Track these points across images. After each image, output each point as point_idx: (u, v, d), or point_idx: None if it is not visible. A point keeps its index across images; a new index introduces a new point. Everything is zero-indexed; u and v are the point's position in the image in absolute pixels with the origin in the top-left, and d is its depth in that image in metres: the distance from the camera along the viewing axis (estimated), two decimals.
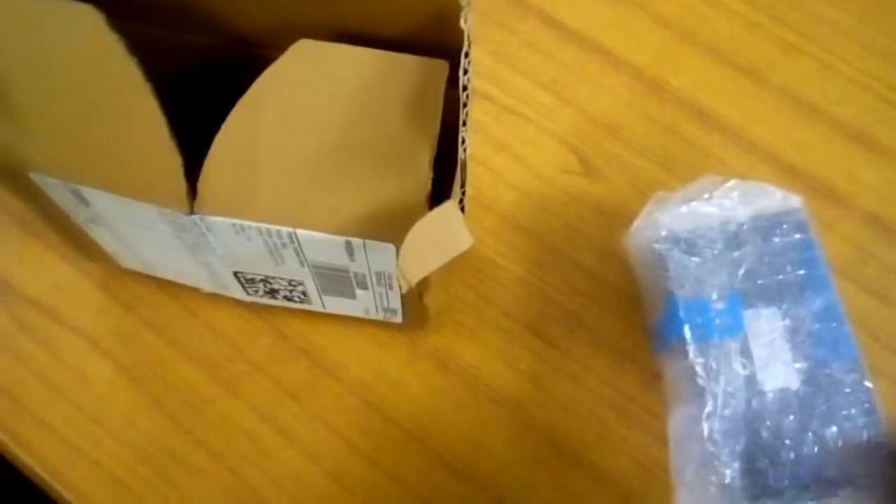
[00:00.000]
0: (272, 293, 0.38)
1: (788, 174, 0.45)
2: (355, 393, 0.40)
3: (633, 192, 0.44)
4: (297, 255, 0.32)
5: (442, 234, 0.28)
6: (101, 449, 0.39)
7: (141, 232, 0.33)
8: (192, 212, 0.30)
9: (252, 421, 0.39)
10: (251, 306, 0.41)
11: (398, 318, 0.39)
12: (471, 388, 0.40)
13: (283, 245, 0.31)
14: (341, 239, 0.30)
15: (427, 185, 0.29)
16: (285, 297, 0.38)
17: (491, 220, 0.44)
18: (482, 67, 0.47)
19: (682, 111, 0.46)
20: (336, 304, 0.38)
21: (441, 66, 0.29)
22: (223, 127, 0.29)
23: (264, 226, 0.30)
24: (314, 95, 0.29)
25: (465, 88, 0.26)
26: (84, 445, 0.39)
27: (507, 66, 0.47)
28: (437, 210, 0.28)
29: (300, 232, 0.30)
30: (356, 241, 0.30)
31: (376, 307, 0.37)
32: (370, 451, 0.39)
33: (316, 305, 0.38)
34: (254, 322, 0.41)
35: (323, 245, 0.31)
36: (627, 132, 0.46)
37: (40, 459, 0.38)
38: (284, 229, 0.30)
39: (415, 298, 0.35)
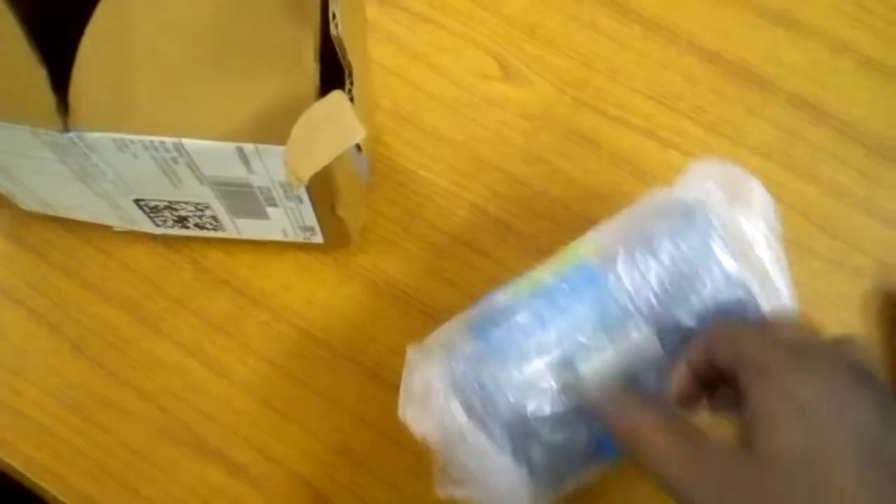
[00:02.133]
0: (182, 222, 0.36)
1: (711, 62, 0.44)
2: (283, 319, 0.39)
3: (556, 92, 0.43)
4: (192, 170, 0.30)
5: (331, 127, 0.26)
6: (24, 399, 0.37)
7: (26, 162, 0.31)
8: (66, 129, 0.28)
9: (178, 357, 0.38)
10: (167, 241, 0.39)
11: (319, 238, 0.37)
12: (402, 304, 0.39)
13: (174, 160, 0.30)
14: (231, 145, 0.28)
15: (314, 77, 0.27)
16: (197, 225, 0.36)
17: (411, 133, 0.42)
18: None
19: (601, 5, 0.44)
20: (251, 228, 0.37)
21: None
22: (88, 29, 0.27)
23: (147, 138, 0.28)
24: None
25: None
26: (5, 396, 0.37)
27: None
28: (323, 101, 0.26)
29: (187, 142, 0.28)
30: (248, 146, 0.29)
31: (293, 226, 0.36)
32: (303, 374, 0.38)
33: (230, 231, 0.37)
34: (171, 257, 0.39)
35: (214, 155, 0.29)
36: (546, 32, 0.44)
37: None
38: (169, 140, 0.28)
39: (328, 212, 0.34)
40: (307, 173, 0.26)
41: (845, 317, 0.40)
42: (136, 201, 0.34)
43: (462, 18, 0.44)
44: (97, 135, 0.28)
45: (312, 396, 0.38)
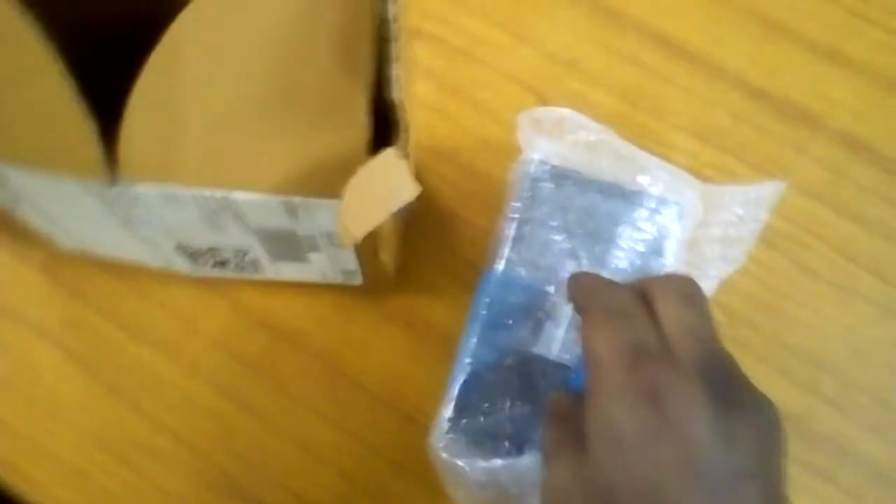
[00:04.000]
0: (221, 264, 0.35)
1: (758, 98, 0.43)
2: (319, 359, 0.38)
3: None
4: (237, 220, 0.30)
5: (384, 185, 0.25)
6: (58, 440, 0.37)
7: (68, 208, 0.31)
8: (114, 181, 0.27)
9: (214, 399, 0.37)
10: (204, 282, 0.39)
11: (358, 280, 0.37)
12: (441, 347, 0.38)
13: (221, 210, 0.29)
14: (278, 199, 0.28)
15: (365, 132, 0.27)
16: (236, 268, 0.36)
17: (449, 170, 0.42)
18: (429, 7, 0.44)
19: (644, 39, 0.44)
20: (290, 271, 0.36)
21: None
22: (139, 82, 0.26)
23: (195, 191, 0.28)
24: (235, 39, 0.26)
25: (389, 21, 0.23)
26: (40, 438, 0.37)
27: (455, 4, 0.44)
28: (377, 159, 0.25)
29: (234, 195, 0.28)
30: (296, 199, 0.28)
31: (333, 269, 0.35)
32: (338, 418, 0.37)
33: (270, 274, 0.36)
34: (208, 298, 0.39)
35: (261, 207, 0.28)
36: (588, 67, 0.43)
37: None
38: (217, 193, 0.28)
39: (370, 256, 0.33)
40: (361, 232, 0.25)
41: None
42: (178, 245, 0.33)
43: (503, 54, 0.44)
44: (145, 187, 0.27)
45: (349, 440, 0.37)
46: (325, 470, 0.37)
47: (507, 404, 0.33)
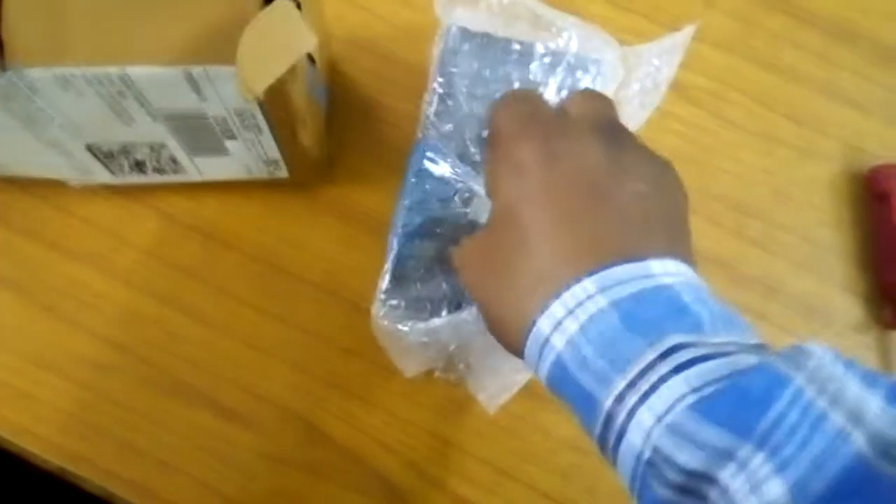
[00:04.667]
0: (139, 167, 0.35)
1: None
2: (257, 259, 0.38)
3: None
4: (141, 104, 0.29)
5: (280, 36, 0.25)
6: None
7: None
8: (3, 69, 0.26)
9: (153, 307, 0.37)
10: (127, 192, 0.38)
11: (284, 172, 0.37)
12: (378, 233, 0.39)
13: (121, 94, 0.28)
14: (179, 70, 0.27)
15: None
16: (155, 170, 0.35)
17: (368, 60, 0.41)
18: None
19: None
20: (213, 167, 0.35)
21: None
22: None
23: (90, 70, 0.27)
24: None
25: None
26: None
27: None
28: (269, 9, 0.25)
29: (131, 71, 0.27)
30: (196, 70, 0.27)
31: (256, 161, 0.35)
32: (284, 312, 0.37)
33: (192, 173, 0.36)
34: (133, 208, 0.38)
35: (162, 83, 0.28)
36: None
37: None
38: (113, 71, 0.27)
39: (290, 140, 0.33)
40: (261, 86, 0.25)
41: (817, 201, 0.40)
42: (89, 147, 0.33)
43: None
44: (37, 72, 0.27)
45: (296, 333, 0.37)
46: (276, 364, 0.37)
47: (443, 269, 0.33)
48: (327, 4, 0.41)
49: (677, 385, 0.20)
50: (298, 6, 0.26)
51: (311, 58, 0.33)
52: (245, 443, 0.36)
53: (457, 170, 0.35)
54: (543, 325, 0.22)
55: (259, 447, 0.36)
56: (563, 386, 0.22)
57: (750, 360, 0.20)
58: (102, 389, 0.36)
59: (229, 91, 0.29)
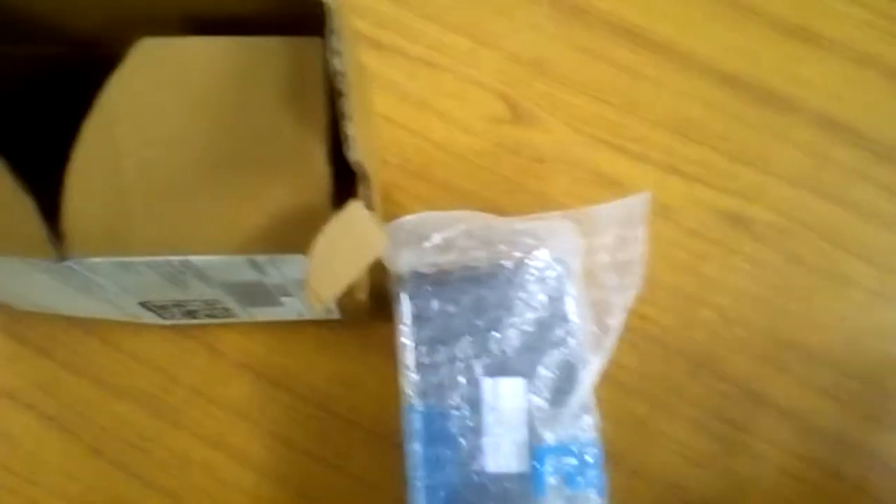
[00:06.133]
0: (191, 314, 0.34)
1: (730, 84, 0.41)
2: (308, 400, 0.37)
3: (571, 132, 0.41)
4: (200, 279, 0.28)
5: (351, 240, 0.24)
6: None
7: (23, 281, 0.29)
8: (63, 258, 0.26)
9: (202, 451, 0.36)
10: (177, 327, 0.37)
11: (337, 315, 0.36)
12: None
13: (181, 273, 0.28)
14: (242, 258, 0.26)
15: (326, 182, 0.25)
16: (207, 316, 0.34)
17: (422, 188, 0.40)
18: (383, 17, 0.42)
19: (611, 34, 0.42)
20: (265, 313, 0.35)
21: (314, 45, 0.24)
22: (76, 152, 0.24)
23: (151, 259, 0.26)
24: (170, 100, 0.24)
25: (337, 74, 0.22)
26: None
27: (411, 11, 0.42)
28: (342, 214, 0.24)
29: (194, 258, 0.26)
30: (259, 258, 0.26)
31: (309, 309, 0.34)
32: (336, 458, 0.36)
33: (244, 317, 0.35)
34: (183, 343, 0.37)
35: (224, 266, 0.27)
36: (554, 66, 0.42)
37: None
38: (175, 258, 0.26)
39: (347, 297, 0.32)
40: (331, 293, 0.24)
41: (893, 350, 0.38)
42: (142, 303, 0.32)
43: (464, 59, 0.42)
44: (97, 260, 0.26)
45: (349, 481, 0.36)
46: None
47: None
48: (379, 129, 0.40)
49: None
50: (372, 206, 0.25)
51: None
52: None
53: (452, 424, 0.33)
54: None
55: None
56: None
57: None
58: None
59: (290, 269, 0.28)
